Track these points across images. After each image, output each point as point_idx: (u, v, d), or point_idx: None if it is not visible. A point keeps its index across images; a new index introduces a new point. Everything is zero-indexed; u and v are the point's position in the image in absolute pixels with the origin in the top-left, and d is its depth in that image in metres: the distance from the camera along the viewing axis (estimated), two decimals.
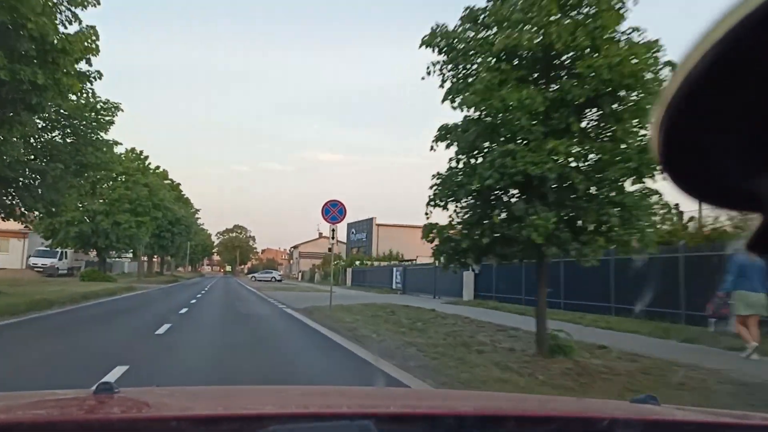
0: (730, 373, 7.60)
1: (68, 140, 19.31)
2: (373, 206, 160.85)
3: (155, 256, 59.40)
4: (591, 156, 7.72)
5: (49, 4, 12.73)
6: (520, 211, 7.49)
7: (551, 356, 8.24)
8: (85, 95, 18.80)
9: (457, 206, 8.52)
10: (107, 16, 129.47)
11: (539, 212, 7.31)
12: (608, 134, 7.78)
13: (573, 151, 7.56)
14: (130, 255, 54.44)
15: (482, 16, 8.12)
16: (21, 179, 17.99)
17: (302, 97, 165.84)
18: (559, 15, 7.55)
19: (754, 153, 0.49)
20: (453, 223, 8.60)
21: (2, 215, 18.86)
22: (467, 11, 8.21)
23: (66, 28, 13.67)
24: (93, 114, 19.68)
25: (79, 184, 20.38)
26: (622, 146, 7.46)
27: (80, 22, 13.97)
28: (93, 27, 14.24)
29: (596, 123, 7.96)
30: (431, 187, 8.57)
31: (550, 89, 7.74)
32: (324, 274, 65.04)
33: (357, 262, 60.40)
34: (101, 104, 20.11)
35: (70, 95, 15.96)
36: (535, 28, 7.51)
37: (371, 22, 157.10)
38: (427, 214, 8.69)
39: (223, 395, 1.79)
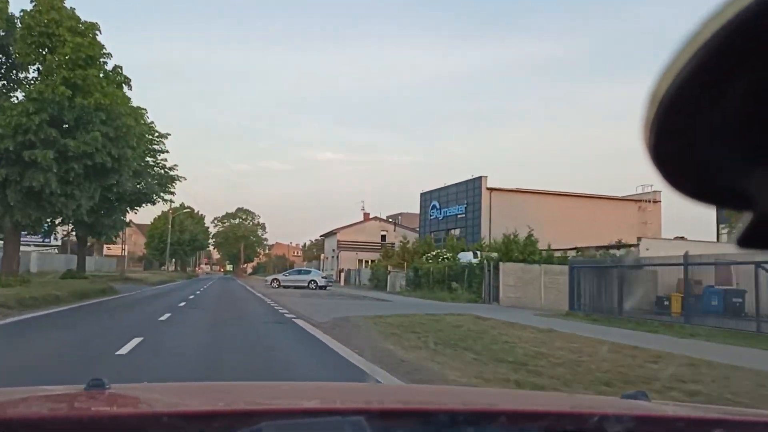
0: None
1: None
2: (378, 205, 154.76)
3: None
4: None
5: None
6: None
7: None
8: None
9: None
10: (104, 12, 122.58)
11: None
12: None
13: None
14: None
15: None
16: None
17: (302, 96, 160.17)
18: None
19: (744, 151, 0.49)
20: None
21: None
22: None
23: None
24: None
25: None
26: None
27: None
28: None
29: None
30: None
31: None
32: (415, 275, 33.47)
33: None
34: None
35: None
36: None
37: (371, 23, 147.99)
38: None
39: (215, 391, 1.75)
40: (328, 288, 37.53)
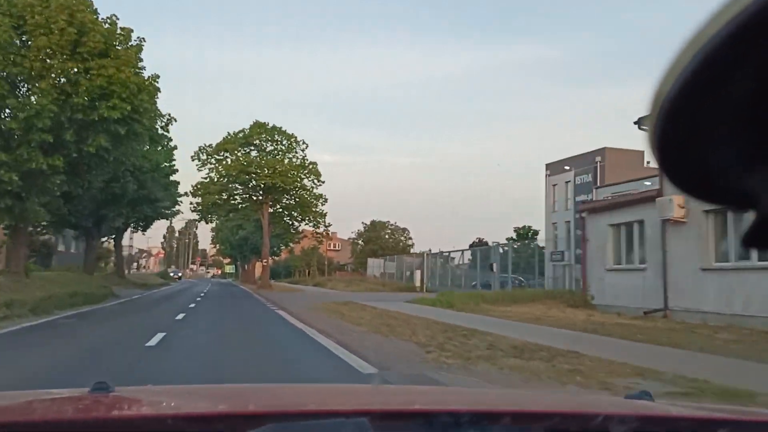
0: None
1: None
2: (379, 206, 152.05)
3: None
4: None
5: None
6: None
7: None
8: None
9: None
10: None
11: None
12: None
13: None
14: None
15: None
16: None
17: (302, 97, 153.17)
18: None
19: (749, 150, 0.50)
20: None
21: None
22: None
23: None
24: None
25: None
26: None
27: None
28: None
29: None
30: None
31: None
32: None
33: None
34: None
35: None
36: None
37: (371, 24, 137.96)
38: None
39: (219, 394, 1.75)
40: None
